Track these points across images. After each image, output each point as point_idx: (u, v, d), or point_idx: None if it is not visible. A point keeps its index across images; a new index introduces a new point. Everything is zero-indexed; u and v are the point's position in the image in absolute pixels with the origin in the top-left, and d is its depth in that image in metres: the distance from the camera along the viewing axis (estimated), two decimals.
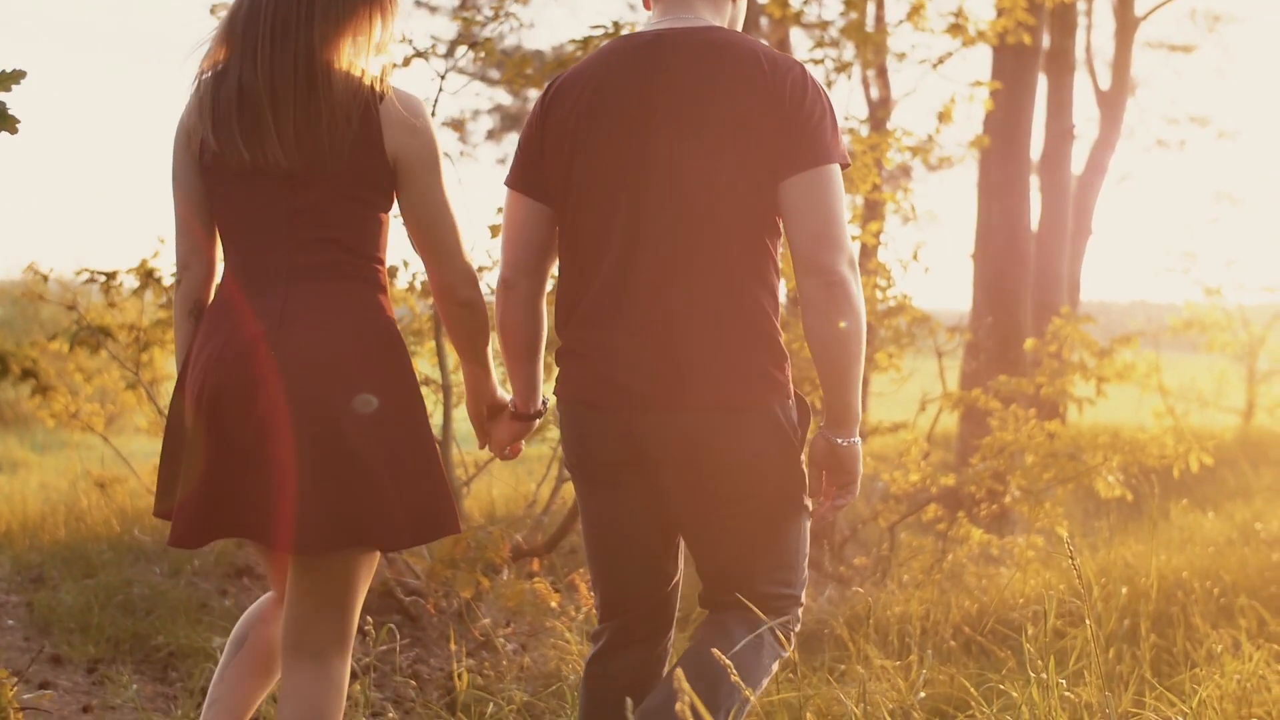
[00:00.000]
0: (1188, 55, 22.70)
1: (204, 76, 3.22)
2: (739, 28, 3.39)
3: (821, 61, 9.41)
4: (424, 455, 3.24)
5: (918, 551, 7.23)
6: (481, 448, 3.71)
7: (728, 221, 3.12)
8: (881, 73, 13.99)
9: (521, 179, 3.32)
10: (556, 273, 3.39)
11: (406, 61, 6.07)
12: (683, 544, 3.46)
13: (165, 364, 9.10)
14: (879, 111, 13.56)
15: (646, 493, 3.29)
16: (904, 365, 8.76)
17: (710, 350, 3.13)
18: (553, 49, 12.26)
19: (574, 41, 6.24)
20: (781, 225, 3.16)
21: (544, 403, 3.59)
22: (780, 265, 3.26)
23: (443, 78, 6.17)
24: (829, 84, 9.90)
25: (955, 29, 8.64)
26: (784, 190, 3.09)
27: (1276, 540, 7.87)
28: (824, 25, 9.99)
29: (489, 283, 4.67)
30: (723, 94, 3.09)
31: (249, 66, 3.14)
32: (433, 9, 23.67)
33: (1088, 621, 3.82)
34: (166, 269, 7.47)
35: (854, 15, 9.02)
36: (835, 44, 9.58)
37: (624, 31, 6.04)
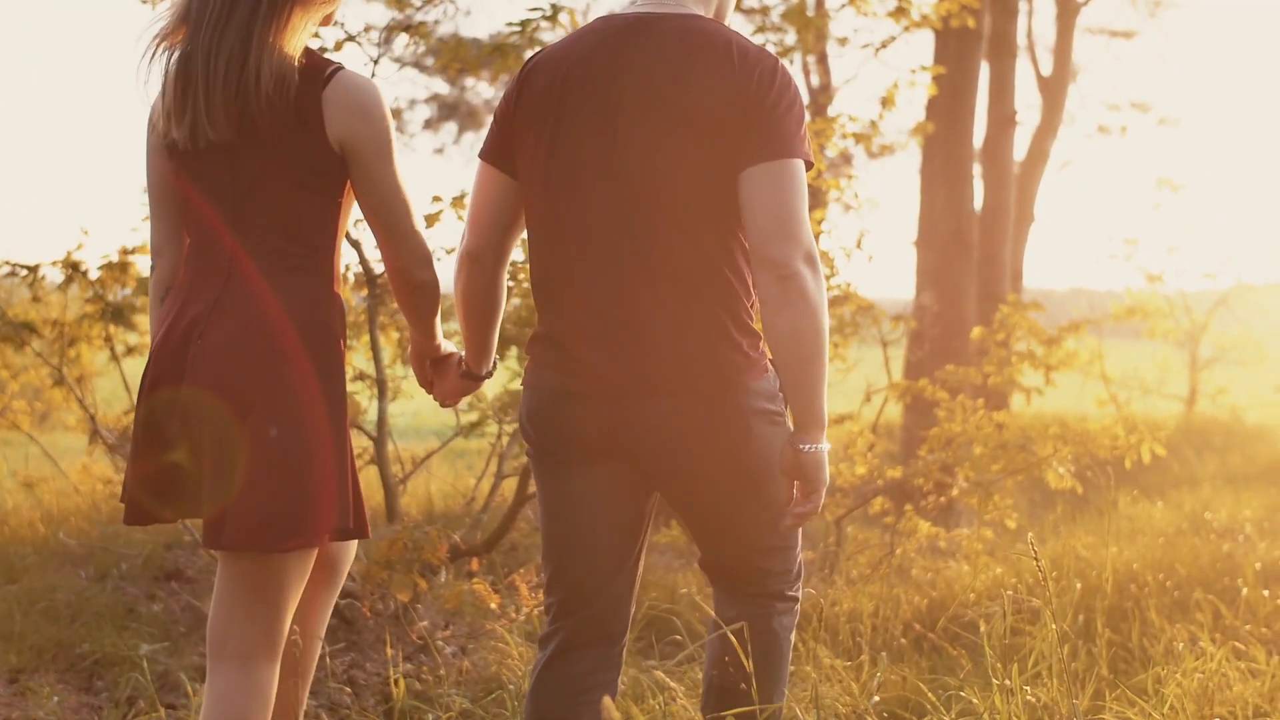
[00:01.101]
0: (1129, 41, 22.73)
1: (162, 55, 3.20)
2: (727, 13, 3.36)
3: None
4: (324, 456, 3.17)
5: (865, 546, 7.10)
6: (424, 389, 3.75)
7: (694, 210, 3.09)
8: (822, 59, 13.92)
9: (493, 152, 3.32)
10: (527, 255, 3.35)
11: (338, 46, 5.91)
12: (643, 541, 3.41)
13: (92, 360, 8.88)
14: (820, 98, 13.48)
15: (618, 481, 3.26)
16: (848, 355, 8.66)
17: (680, 335, 3.11)
18: (490, 36, 12.10)
19: (511, 25, 6.09)
20: None
21: (494, 364, 3.63)
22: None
23: (375, 63, 6.01)
24: None
25: (899, 12, 8.52)
26: (742, 181, 3.04)
27: (1227, 530, 7.80)
28: (765, 10, 9.85)
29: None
30: (689, 83, 3.07)
31: (193, 42, 3.13)
32: None
33: (1048, 623, 3.70)
34: (92, 262, 7.30)
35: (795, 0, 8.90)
36: (777, 29, 9.45)
37: (562, 15, 5.95)
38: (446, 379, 3.66)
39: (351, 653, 5.51)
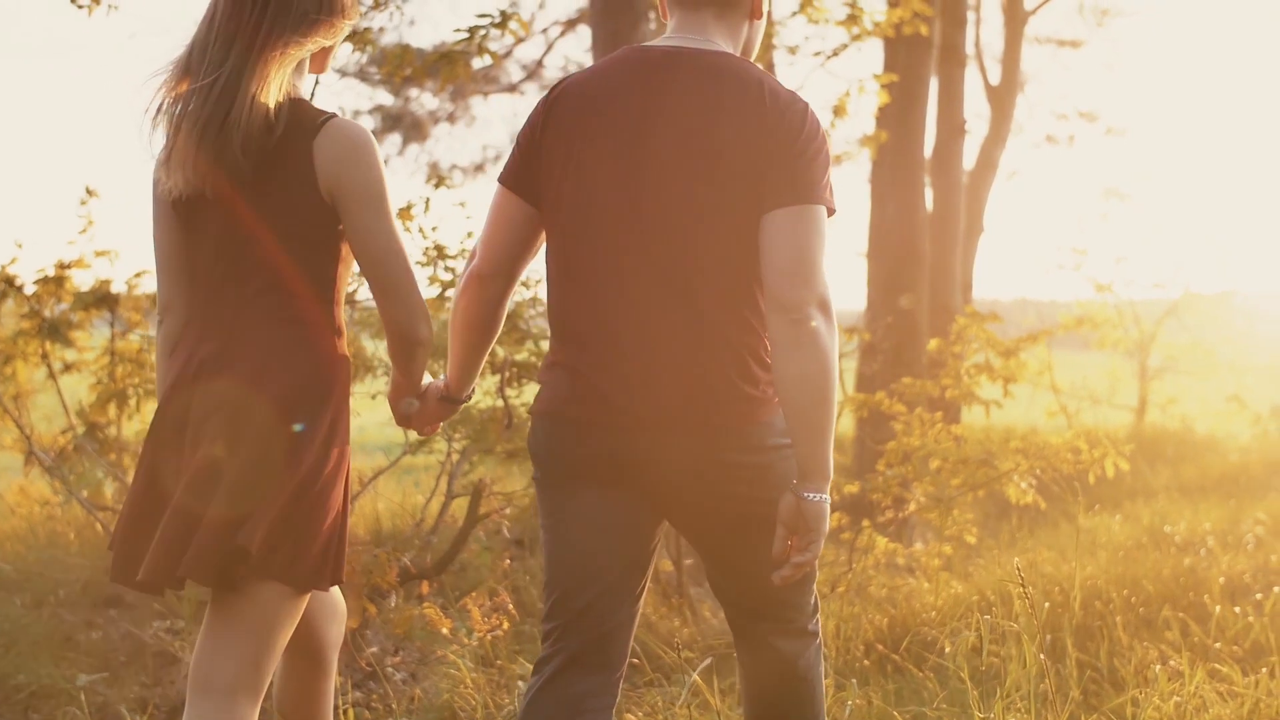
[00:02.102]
0: (1076, 50, 22.75)
1: (167, 108, 3.19)
2: (754, 51, 3.40)
3: None
4: (319, 508, 3.17)
5: (822, 563, 6.96)
6: (399, 425, 3.69)
7: (719, 249, 3.11)
8: (770, 68, 13.77)
9: (514, 178, 3.30)
10: (545, 286, 3.40)
11: None
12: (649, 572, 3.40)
13: (29, 378, 8.66)
14: None
15: (630, 511, 3.26)
16: None
17: (701, 371, 3.13)
18: (435, 46, 11.93)
19: (459, 31, 5.95)
20: None
21: (472, 389, 3.63)
22: None
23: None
24: None
25: (851, 20, 8.40)
26: (763, 224, 3.07)
27: (1188, 544, 7.72)
28: None
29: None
30: (719, 124, 3.10)
31: (191, 94, 3.13)
32: None
33: (1026, 649, 3.57)
34: (27, 276, 7.14)
35: None
36: None
37: (512, 23, 5.83)
38: (424, 407, 3.59)
39: None
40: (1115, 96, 50.03)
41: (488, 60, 6.38)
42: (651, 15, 8.40)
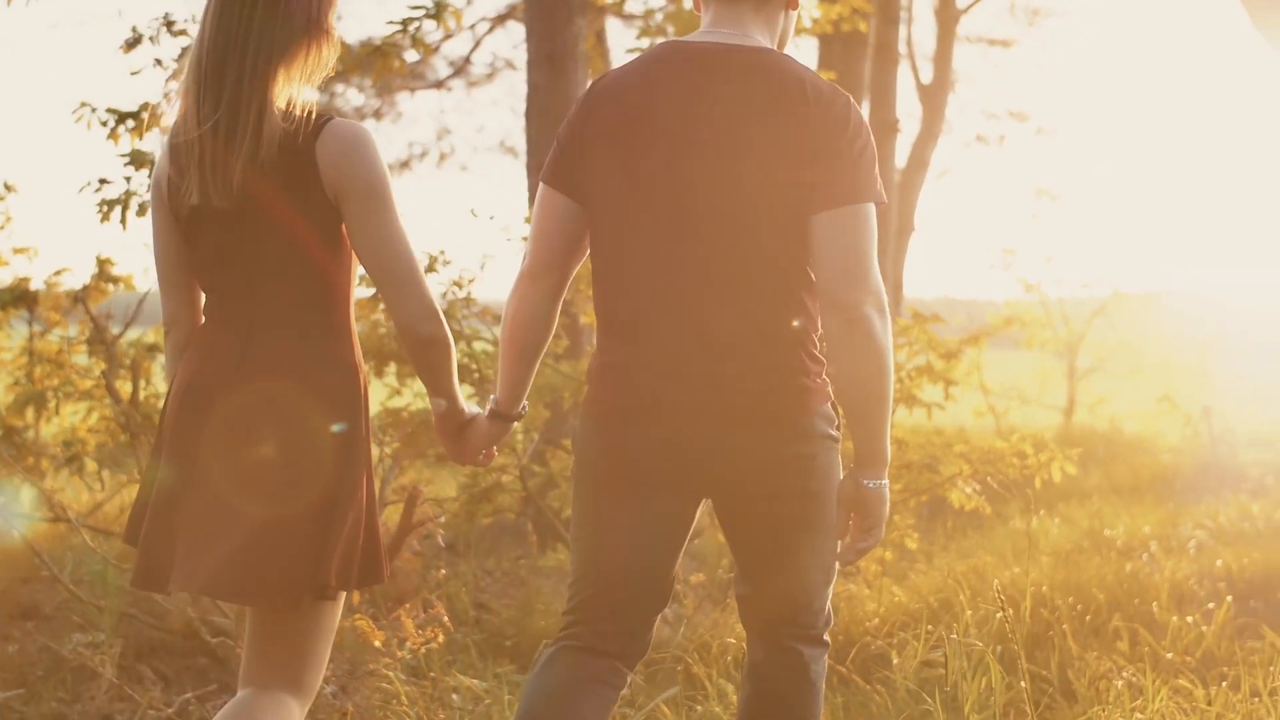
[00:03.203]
0: (1007, 49, 22.88)
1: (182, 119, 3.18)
2: (787, 42, 3.42)
3: None
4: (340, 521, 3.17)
5: None
6: (450, 460, 3.66)
7: (765, 245, 3.15)
8: None
9: (557, 177, 3.32)
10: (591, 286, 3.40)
11: None
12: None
13: None
14: None
15: (673, 514, 3.32)
16: None
17: (754, 366, 3.16)
18: (361, 43, 11.75)
19: (392, 23, 5.79)
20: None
21: (524, 406, 3.54)
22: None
23: None
24: None
25: None
26: (814, 225, 3.11)
27: (1128, 547, 7.64)
28: (649, 15, 9.57)
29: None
30: (763, 124, 3.12)
31: (195, 107, 3.12)
32: None
33: (992, 668, 3.46)
34: None
35: (687, 3, 8.66)
36: (661, 31, 9.19)
37: (447, 13, 5.68)
38: (474, 431, 3.51)
39: (224, 695, 5.19)
40: (1046, 96, 50.42)
41: (419, 54, 6.23)
42: (582, 13, 8.27)
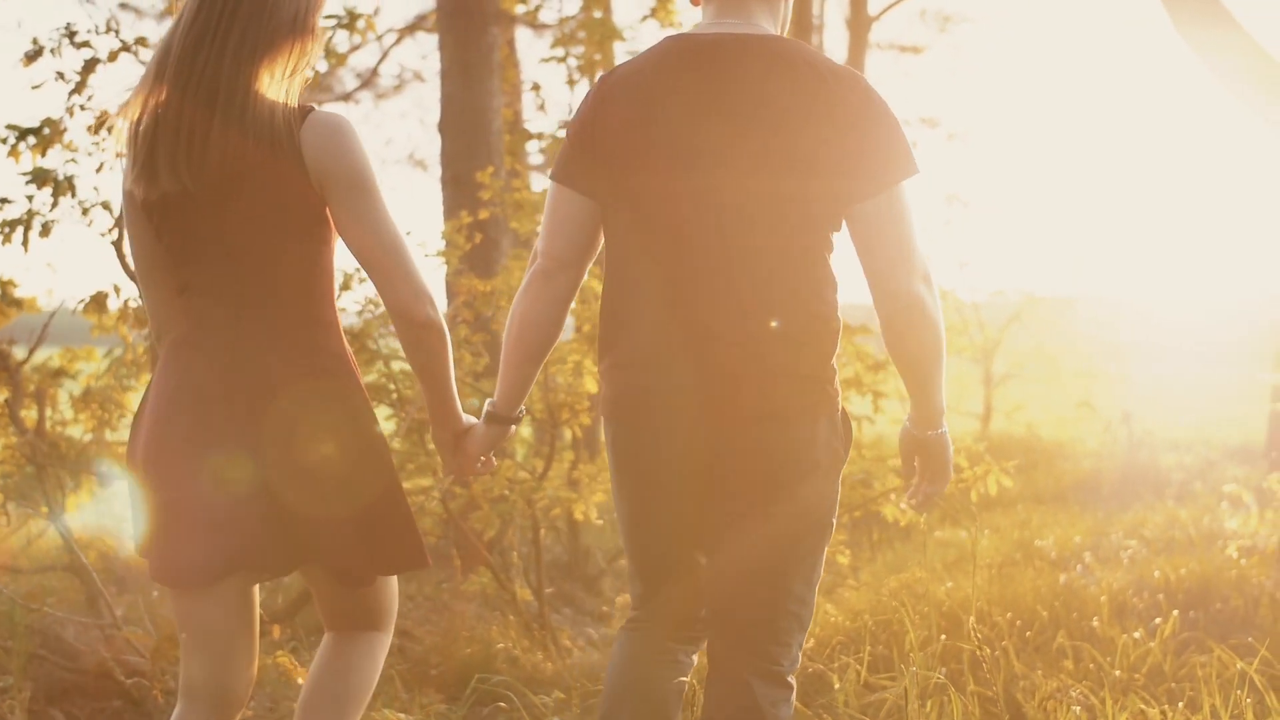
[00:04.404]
0: (918, 56, 22.91)
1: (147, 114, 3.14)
2: (787, 28, 3.39)
3: (564, 60, 8.91)
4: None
5: None
6: (448, 474, 3.62)
7: (787, 239, 3.15)
8: None
9: (569, 174, 3.29)
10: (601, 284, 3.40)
11: (112, 56, 5.42)
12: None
13: None
14: None
15: (702, 505, 3.30)
16: None
17: (765, 362, 3.16)
18: None
19: (332, 16, 5.64)
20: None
21: (522, 409, 3.49)
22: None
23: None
24: (571, 84, 9.42)
25: None
26: (855, 216, 3.13)
27: (1061, 558, 7.55)
28: (563, 22, 9.42)
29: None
30: (784, 113, 3.10)
31: (169, 99, 3.08)
32: None
33: (953, 699, 3.31)
34: None
35: (598, 13, 8.55)
36: (575, 39, 9.06)
37: (359, 21, 5.56)
38: (471, 439, 3.47)
39: None
40: (957, 102, 50.76)
41: (329, 64, 6.07)
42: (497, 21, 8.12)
